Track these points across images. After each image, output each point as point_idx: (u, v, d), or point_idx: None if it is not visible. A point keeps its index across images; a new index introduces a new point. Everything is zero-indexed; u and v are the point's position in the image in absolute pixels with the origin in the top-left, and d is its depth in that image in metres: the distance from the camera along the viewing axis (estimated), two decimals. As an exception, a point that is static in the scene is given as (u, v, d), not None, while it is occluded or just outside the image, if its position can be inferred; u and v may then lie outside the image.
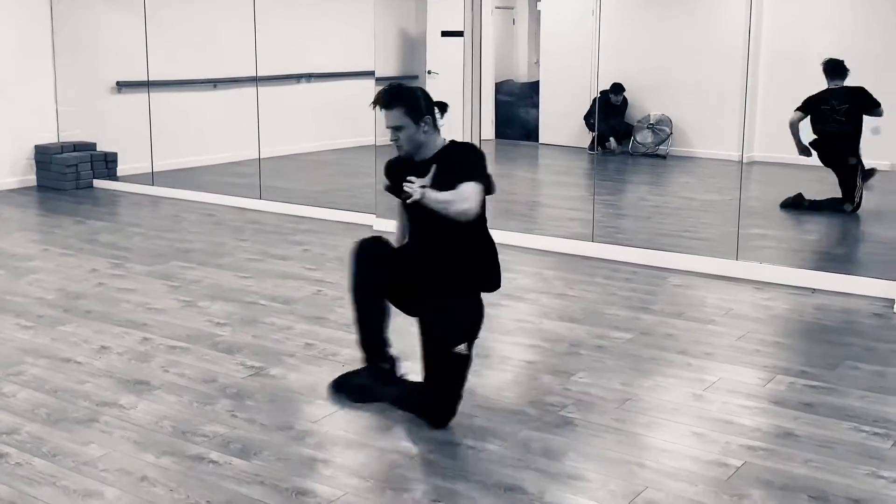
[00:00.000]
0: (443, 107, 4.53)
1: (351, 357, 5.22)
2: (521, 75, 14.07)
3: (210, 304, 6.25)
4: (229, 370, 5.07)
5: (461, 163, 4.30)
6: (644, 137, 11.67)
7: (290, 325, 5.84)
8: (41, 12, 10.67)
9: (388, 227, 8.37)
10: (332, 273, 7.03)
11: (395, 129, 4.37)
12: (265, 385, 4.87)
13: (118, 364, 5.19)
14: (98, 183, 10.80)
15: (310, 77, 12.22)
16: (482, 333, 4.54)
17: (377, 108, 4.41)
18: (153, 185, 10.51)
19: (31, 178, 10.80)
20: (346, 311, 6.01)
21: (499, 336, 5.64)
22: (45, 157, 10.69)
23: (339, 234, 8.41)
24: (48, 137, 10.88)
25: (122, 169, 10.96)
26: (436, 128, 4.45)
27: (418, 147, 4.40)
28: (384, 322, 4.54)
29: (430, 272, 4.45)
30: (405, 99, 4.38)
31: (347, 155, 12.10)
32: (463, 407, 4.55)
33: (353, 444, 4.21)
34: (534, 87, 13.28)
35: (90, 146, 10.90)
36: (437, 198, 4.09)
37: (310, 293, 6.53)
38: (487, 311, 6.10)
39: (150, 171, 10.69)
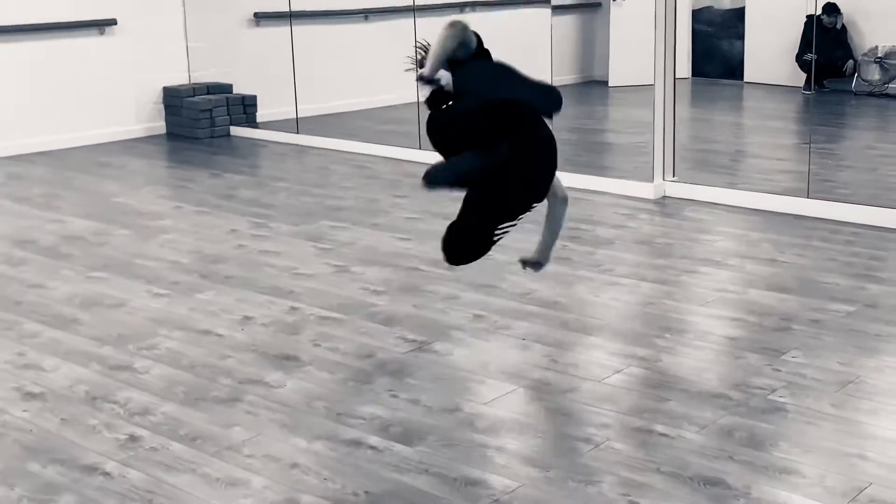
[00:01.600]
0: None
1: (526, 330, 5.31)
2: (724, 1, 13.92)
3: (365, 269, 6.38)
4: (388, 344, 5.20)
5: None
6: (871, 74, 11.45)
7: (456, 294, 5.94)
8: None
9: (566, 180, 8.46)
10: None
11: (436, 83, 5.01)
12: (429, 362, 4.98)
13: (263, 337, 5.35)
14: (235, 130, 11.06)
15: (474, 5, 12.26)
16: (679, 305, 4.57)
17: None
18: (298, 132, 10.71)
19: (160, 125, 11.11)
20: (518, 279, 6.11)
21: (696, 308, 5.66)
22: (175, 101, 10.95)
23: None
24: (178, 79, 11.13)
25: (262, 115, 11.19)
26: None
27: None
28: None
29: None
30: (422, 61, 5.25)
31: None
32: (654, 388, 4.61)
33: (528, 429, 4.29)
34: (738, 15, 13.13)
35: (226, 88, 11.17)
36: None
37: (477, 257, 6.62)
38: (683, 279, 6.16)
39: (295, 116, 10.87)
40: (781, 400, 4.48)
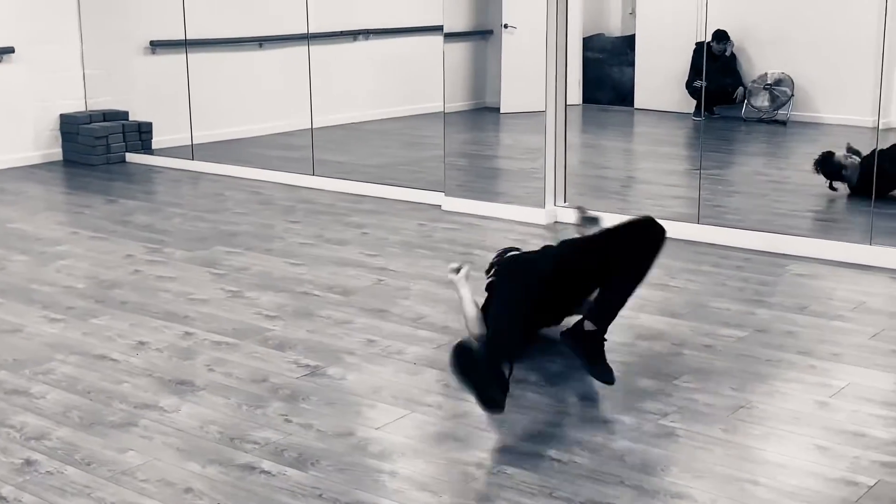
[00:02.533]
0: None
1: (418, 355, 5.29)
2: (614, 28, 14.03)
3: (259, 294, 6.35)
4: (282, 369, 5.16)
5: None
6: (760, 100, 11.61)
7: (349, 319, 5.91)
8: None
9: (458, 206, 8.50)
10: (395, 260, 7.10)
11: None
12: (322, 386, 4.95)
13: (158, 362, 5.30)
14: (131, 157, 10.98)
15: (368, 34, 12.28)
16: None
17: None
18: (193, 159, 10.65)
19: (57, 152, 11.00)
20: (411, 304, 6.10)
21: (590, 332, 5.68)
22: (71, 128, 10.87)
23: (403, 215, 8.49)
24: (75, 106, 11.05)
25: (157, 141, 11.12)
26: None
27: None
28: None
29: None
30: None
31: (411, 123, 12.18)
32: (546, 413, 4.62)
33: (421, 454, 4.27)
34: (628, 43, 13.24)
35: (122, 115, 11.08)
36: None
37: (370, 283, 6.61)
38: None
39: (190, 143, 10.82)
40: (673, 425, 4.50)
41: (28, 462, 4.22)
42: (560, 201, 8.14)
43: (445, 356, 5.24)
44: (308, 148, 10.13)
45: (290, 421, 4.56)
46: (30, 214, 8.63)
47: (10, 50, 10.45)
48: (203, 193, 9.50)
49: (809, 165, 8.74)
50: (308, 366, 5.20)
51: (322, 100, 10.41)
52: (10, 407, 4.76)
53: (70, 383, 5.02)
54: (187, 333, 5.69)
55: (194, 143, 10.78)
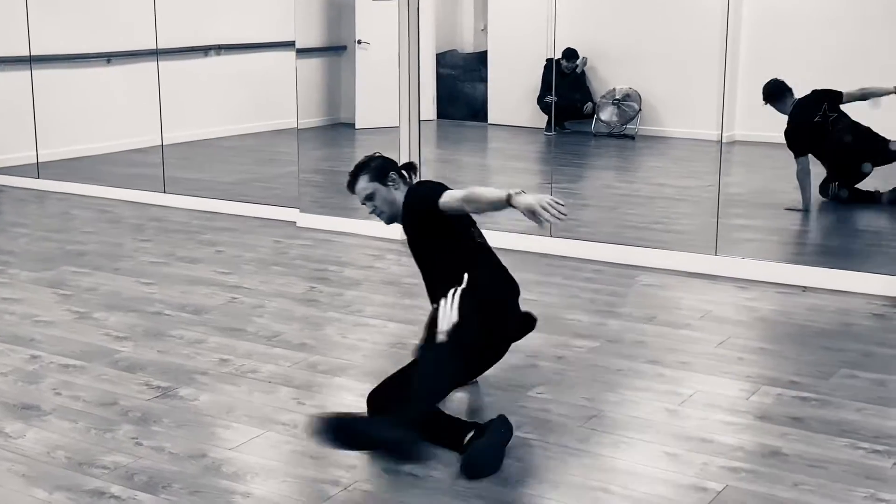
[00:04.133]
0: (411, 167, 5.09)
1: (273, 373, 5.26)
2: (466, 45, 14.13)
3: (108, 315, 6.25)
4: (132, 391, 5.09)
5: (407, 209, 4.94)
6: (609, 115, 11.78)
7: (202, 339, 5.86)
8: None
9: (313, 222, 8.47)
10: (249, 277, 7.06)
11: (368, 197, 4.92)
12: (174, 408, 4.89)
13: (2, 386, 5.19)
14: (-28, 176, 10.76)
15: (220, 49, 12.20)
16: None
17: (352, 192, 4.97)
18: (38, 177, 10.48)
19: None
20: (266, 322, 6.06)
21: (444, 347, 5.70)
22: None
23: (257, 231, 8.44)
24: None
25: (1, 159, 10.90)
26: (406, 183, 5.00)
27: (397, 208, 4.93)
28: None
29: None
30: (364, 167, 4.95)
31: (265, 140, 12.12)
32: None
33: (275, 474, 4.24)
34: (481, 59, 13.35)
35: (-38, 133, 10.86)
36: None
37: (224, 301, 6.55)
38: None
39: (35, 161, 10.64)
40: (527, 436, 4.53)
41: None
42: (414, 216, 8.14)
43: (302, 373, 5.24)
44: (159, 165, 10.02)
45: (140, 444, 4.50)
46: None
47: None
48: (49, 212, 9.35)
49: (657, 178, 8.88)
50: (159, 387, 5.13)
51: (173, 116, 10.31)
52: None
53: (-90, 410, 4.91)
54: (33, 357, 5.58)
55: (40, 161, 10.61)
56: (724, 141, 7.95)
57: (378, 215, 5.00)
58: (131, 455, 4.39)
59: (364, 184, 4.90)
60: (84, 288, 6.83)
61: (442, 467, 4.22)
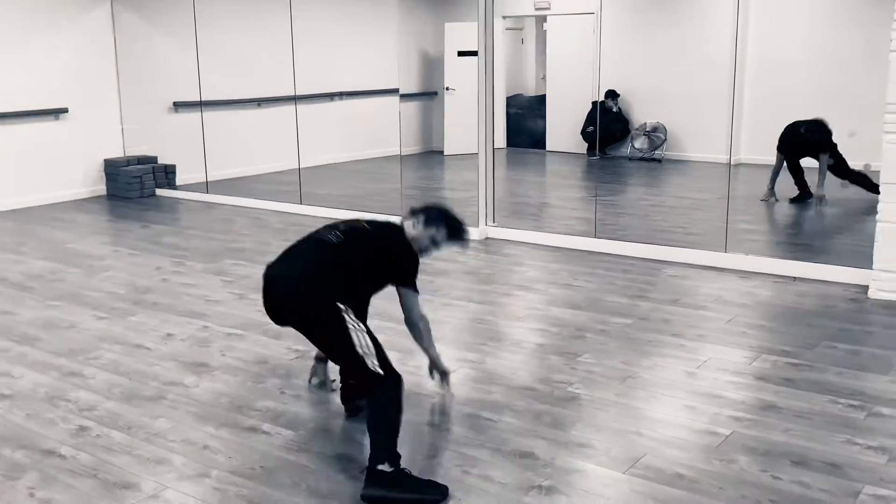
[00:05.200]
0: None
1: (382, 341, 5.28)
2: (530, 89, 14.12)
3: (259, 296, 6.27)
4: (278, 353, 5.14)
5: (403, 267, 4.23)
6: (641, 143, 11.70)
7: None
8: (106, 43, 10.74)
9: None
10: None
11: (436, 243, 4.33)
12: (308, 366, 4.91)
13: (182, 349, 5.27)
14: (160, 192, 10.88)
15: (341, 95, 12.26)
16: (499, 321, 4.57)
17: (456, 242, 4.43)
18: (208, 192, 10.57)
19: (102, 189, 10.88)
20: (378, 302, 6.07)
21: (512, 322, 5.70)
22: (113, 170, 10.76)
23: (371, 233, 8.46)
24: (115, 152, 10.95)
25: (180, 179, 11.02)
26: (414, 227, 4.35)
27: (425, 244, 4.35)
28: None
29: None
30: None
31: (374, 164, 12.15)
32: (481, 384, 4.62)
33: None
34: (541, 100, 13.33)
35: (152, 159, 10.97)
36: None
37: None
38: (502, 300, 6.18)
39: (205, 180, 10.73)
40: (577, 391, 4.52)
41: (82, 428, 4.19)
42: (490, 222, 8.16)
43: (404, 341, 5.25)
44: (296, 183, 10.09)
45: (284, 393, 4.54)
46: (81, 237, 8.54)
47: (65, 110, 10.37)
48: (215, 219, 9.43)
49: (679, 192, 8.81)
50: (297, 350, 5.17)
51: (307, 146, 10.38)
52: (68, 385, 4.72)
53: (114, 367, 4.99)
54: (204, 327, 5.65)
55: (209, 180, 10.71)
56: (731, 163, 7.87)
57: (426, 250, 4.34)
58: (277, 401, 4.44)
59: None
60: (241, 276, 6.90)
61: (512, 414, 4.22)
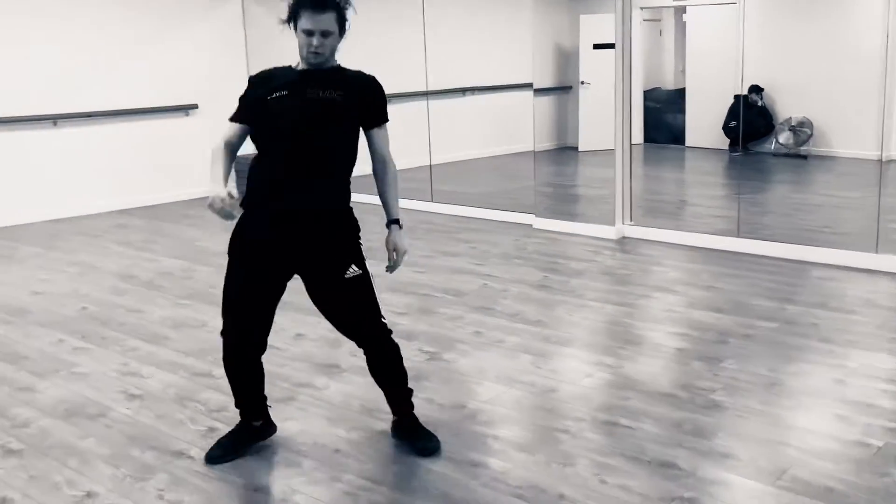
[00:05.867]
0: None
1: (515, 343, 5.28)
2: (668, 83, 13.91)
3: (391, 295, 6.36)
4: (409, 355, 5.13)
5: (377, 102, 3.88)
6: (786, 138, 11.42)
7: (461, 315, 5.91)
8: (237, 38, 11.00)
9: (546, 225, 8.47)
10: (496, 268, 7.09)
11: (324, 34, 3.66)
12: (440, 368, 4.96)
13: (312, 350, 5.35)
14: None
15: (473, 90, 12.29)
16: (637, 323, 4.53)
17: (303, 10, 3.70)
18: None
19: (232, 186, 11.11)
20: (509, 303, 6.08)
21: (651, 325, 5.62)
22: (243, 167, 10.96)
23: (502, 232, 8.48)
24: (248, 149, 11.16)
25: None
26: None
27: (329, 58, 3.78)
28: (259, 384, 4.11)
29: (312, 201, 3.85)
30: (338, 4, 3.70)
31: (507, 161, 12.14)
32: (618, 389, 4.57)
33: (519, 422, 4.26)
34: (680, 94, 13.11)
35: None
36: (398, 204, 4.12)
37: (477, 286, 6.60)
38: (640, 302, 6.11)
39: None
40: (720, 399, 4.43)
41: (211, 429, 4.28)
42: (627, 221, 8.08)
43: (538, 344, 5.23)
44: (427, 180, 10.17)
45: (416, 396, 4.53)
46: (212, 234, 8.73)
47: (195, 106, 10.65)
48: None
49: (826, 190, 8.57)
50: (429, 352, 5.21)
51: (438, 142, 10.44)
52: (197, 385, 4.83)
53: (245, 366, 5.07)
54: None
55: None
56: (883, 160, 7.62)
57: (314, 51, 3.70)
58: (408, 404, 4.46)
59: (331, 21, 3.67)
60: (373, 275, 6.93)
61: (652, 421, 4.17)
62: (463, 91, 12.13)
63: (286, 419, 4.34)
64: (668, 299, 6.15)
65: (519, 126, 10.42)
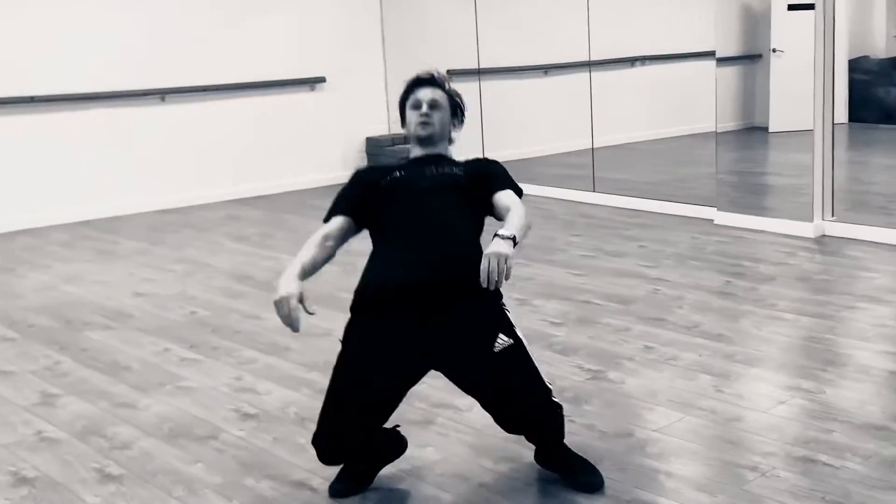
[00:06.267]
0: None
1: (693, 361, 5.18)
2: (879, 50, 13.54)
3: (544, 302, 6.33)
4: (566, 373, 5.13)
5: (492, 172, 4.22)
6: None
7: (628, 327, 5.84)
8: (371, 4, 11.12)
9: (729, 220, 8.32)
10: (670, 271, 6.99)
11: (432, 104, 4.11)
12: (603, 389, 4.90)
13: (452, 364, 5.33)
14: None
15: (644, 60, 12.18)
16: (840, 340, 4.40)
17: (410, 92, 4.25)
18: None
19: (361, 172, 11.30)
20: (685, 312, 5.98)
21: (857, 342, 5.45)
22: (376, 150, 11.11)
23: (677, 228, 8.36)
24: (379, 129, 11.30)
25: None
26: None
27: (441, 139, 4.17)
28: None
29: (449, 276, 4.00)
30: (449, 87, 4.23)
31: (685, 143, 11.99)
32: (818, 420, 4.45)
33: (698, 456, 4.17)
34: (893, 64, 12.77)
35: (420, 138, 11.29)
36: (519, 226, 4.06)
37: (647, 292, 6.52)
38: (843, 314, 5.95)
39: (481, 162, 10.90)
40: (941, 432, 4.27)
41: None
42: (828, 216, 7.89)
43: (720, 362, 5.13)
44: (589, 167, 10.10)
45: (573, 422, 4.50)
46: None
47: (322, 79, 10.80)
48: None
49: None
50: (590, 370, 5.15)
51: (602, 121, 10.37)
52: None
53: (376, 382, 5.10)
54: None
55: (486, 162, 10.86)
56: None
57: (422, 122, 4.10)
58: (566, 432, 4.40)
59: (441, 95, 4.14)
60: (522, 277, 6.94)
61: (859, 459, 4.04)
62: (632, 61, 12.01)
63: (423, 445, 4.34)
64: (879, 311, 5.96)
65: (698, 102, 10.27)
